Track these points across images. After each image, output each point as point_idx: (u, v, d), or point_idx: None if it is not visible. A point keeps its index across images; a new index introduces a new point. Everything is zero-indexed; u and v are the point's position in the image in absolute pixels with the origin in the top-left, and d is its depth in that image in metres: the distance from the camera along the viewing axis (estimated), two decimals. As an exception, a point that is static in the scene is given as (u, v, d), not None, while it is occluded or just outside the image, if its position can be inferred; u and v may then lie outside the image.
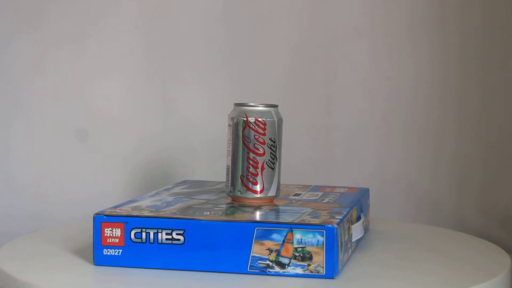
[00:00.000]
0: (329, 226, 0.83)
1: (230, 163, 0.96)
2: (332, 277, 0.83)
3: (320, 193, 1.05)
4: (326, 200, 1.00)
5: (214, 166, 1.25)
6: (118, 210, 0.90)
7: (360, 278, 0.86)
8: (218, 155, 1.14)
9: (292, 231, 0.84)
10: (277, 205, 0.96)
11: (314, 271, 0.84)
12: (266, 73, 1.30)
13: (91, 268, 0.88)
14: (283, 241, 0.84)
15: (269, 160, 0.95)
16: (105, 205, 1.21)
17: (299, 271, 0.84)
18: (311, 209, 0.93)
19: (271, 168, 0.96)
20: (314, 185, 1.12)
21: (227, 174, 0.97)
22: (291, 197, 1.02)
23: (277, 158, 0.96)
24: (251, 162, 0.95)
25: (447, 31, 1.29)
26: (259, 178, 0.95)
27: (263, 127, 0.95)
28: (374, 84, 1.30)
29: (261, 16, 1.30)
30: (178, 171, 1.31)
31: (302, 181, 1.15)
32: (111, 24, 1.29)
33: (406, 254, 0.97)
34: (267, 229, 0.84)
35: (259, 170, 0.95)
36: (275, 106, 0.97)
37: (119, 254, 0.87)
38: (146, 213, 0.88)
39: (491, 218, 1.29)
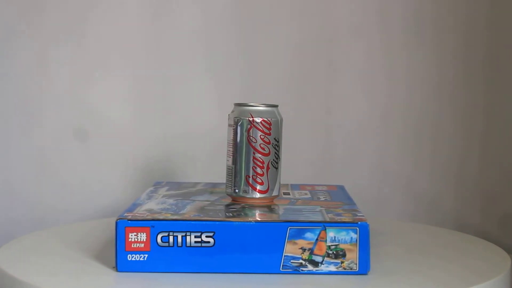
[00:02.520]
0: (363, 223, 0.86)
1: (234, 164, 0.96)
2: (365, 273, 0.86)
3: (307, 191, 1.07)
4: (322, 198, 1.02)
5: (214, 166, 1.23)
6: (137, 214, 0.87)
7: (390, 273, 0.88)
8: (218, 155, 1.13)
9: (325, 229, 0.85)
10: (283, 204, 0.96)
11: (348, 268, 0.86)
12: (266, 73, 1.30)
13: (114, 274, 0.85)
14: (316, 239, 0.85)
15: (273, 160, 0.96)
16: (105, 205, 1.19)
17: (332, 268, 0.86)
18: (321, 207, 0.95)
19: (275, 168, 0.97)
20: (291, 184, 1.14)
21: (229, 175, 0.97)
22: (284, 196, 1.03)
23: (280, 157, 0.97)
24: (257, 162, 0.96)
25: (445, 30, 1.32)
26: (264, 178, 0.96)
27: (269, 127, 0.96)
28: (374, 84, 1.32)
29: (260, 16, 1.29)
30: (178, 171, 1.29)
31: (302, 181, 1.16)
32: (112, 24, 1.26)
33: (405, 255, 0.98)
34: (300, 228, 0.85)
35: (264, 170, 0.96)
36: (276, 106, 0.98)
37: (145, 259, 0.85)
38: (172, 216, 0.86)
39: (490, 217, 1.33)
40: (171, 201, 0.97)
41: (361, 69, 1.33)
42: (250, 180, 0.95)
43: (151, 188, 1.07)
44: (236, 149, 0.96)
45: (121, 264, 0.85)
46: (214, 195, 1.01)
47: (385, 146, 1.34)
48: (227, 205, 0.95)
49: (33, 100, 1.25)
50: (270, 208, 0.94)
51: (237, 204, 0.96)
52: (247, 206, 0.95)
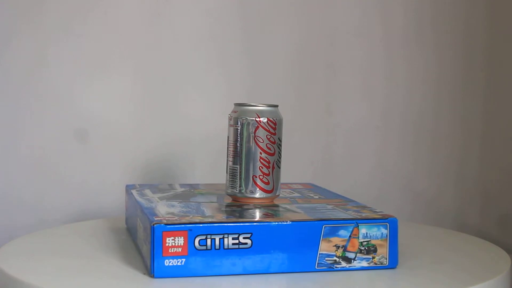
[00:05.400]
0: (392, 218, 0.88)
1: (237, 164, 0.95)
2: (394, 267, 0.88)
3: (291, 190, 1.08)
4: (316, 196, 1.03)
5: (214, 166, 1.20)
6: (170, 218, 0.84)
7: (417, 268, 0.90)
8: (218, 155, 1.10)
9: (358, 226, 0.87)
10: (287, 204, 0.96)
11: (378, 263, 0.88)
12: (267, 73, 1.27)
13: (153, 281, 0.81)
14: (349, 236, 0.87)
15: (277, 159, 0.96)
16: (105, 205, 1.20)
17: (364, 264, 0.88)
18: (329, 205, 0.96)
19: (279, 167, 0.97)
20: None
21: (233, 175, 0.95)
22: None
23: (281, 157, 0.97)
24: (263, 162, 0.95)
25: (445, 31, 1.35)
26: (270, 178, 0.96)
27: (274, 126, 0.96)
28: (373, 84, 1.33)
29: (261, 16, 1.26)
30: (178, 171, 1.24)
31: (302, 181, 1.16)
32: (112, 24, 1.21)
33: (404, 255, 0.97)
34: (334, 226, 0.87)
35: (270, 170, 0.96)
36: (277, 105, 0.98)
37: (182, 263, 0.82)
38: (208, 219, 0.84)
39: (490, 217, 1.35)
40: (177, 203, 0.94)
41: (361, 69, 1.34)
42: (257, 180, 0.94)
43: (135, 192, 1.03)
44: (240, 149, 0.94)
45: (158, 270, 0.82)
46: (210, 196, 1.00)
47: (384, 146, 1.36)
48: (238, 206, 0.93)
49: (33, 100, 1.20)
50: (282, 208, 0.93)
51: (245, 204, 0.94)
52: (259, 206, 0.93)
